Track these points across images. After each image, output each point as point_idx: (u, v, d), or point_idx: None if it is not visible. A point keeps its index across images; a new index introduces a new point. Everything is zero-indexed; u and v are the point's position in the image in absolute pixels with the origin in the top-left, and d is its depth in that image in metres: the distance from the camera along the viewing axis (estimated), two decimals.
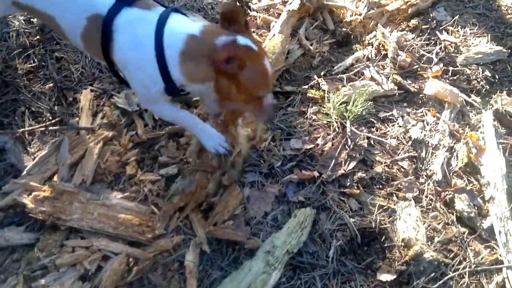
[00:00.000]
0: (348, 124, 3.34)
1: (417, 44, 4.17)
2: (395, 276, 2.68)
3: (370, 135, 3.36)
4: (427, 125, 3.55)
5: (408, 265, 2.70)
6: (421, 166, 3.29)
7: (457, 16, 4.49)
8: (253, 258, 2.61)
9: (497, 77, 4.03)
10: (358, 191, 3.03)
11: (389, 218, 2.95)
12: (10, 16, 3.55)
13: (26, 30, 3.51)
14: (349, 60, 3.95)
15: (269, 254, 2.61)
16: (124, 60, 2.50)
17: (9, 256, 2.52)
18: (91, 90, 3.28)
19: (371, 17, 4.38)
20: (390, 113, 3.59)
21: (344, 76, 3.79)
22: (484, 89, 3.91)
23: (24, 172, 2.82)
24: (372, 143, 3.34)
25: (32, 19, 3.56)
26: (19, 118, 3.09)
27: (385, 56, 4.02)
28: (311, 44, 4.05)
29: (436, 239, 2.90)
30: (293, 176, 3.03)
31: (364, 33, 4.27)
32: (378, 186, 3.11)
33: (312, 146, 3.21)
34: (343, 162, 3.16)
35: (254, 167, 3.06)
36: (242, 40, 2.33)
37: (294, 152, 3.17)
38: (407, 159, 3.29)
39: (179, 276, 2.55)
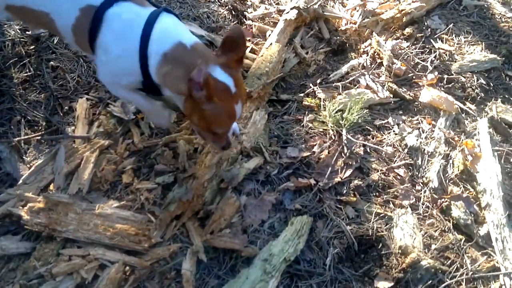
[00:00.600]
0: (344, 132, 3.35)
1: (412, 52, 4.19)
2: (392, 284, 2.67)
3: (366, 142, 3.37)
4: (423, 132, 3.56)
5: (405, 272, 2.70)
6: (417, 173, 3.29)
7: (451, 25, 4.53)
8: (250, 266, 2.60)
9: (491, 84, 4.06)
10: (354, 199, 3.03)
11: (386, 225, 2.95)
12: (5, 26, 3.55)
13: (22, 39, 3.50)
14: (344, 68, 3.97)
15: (266, 262, 2.60)
16: (107, 47, 2.53)
17: (5, 265, 2.49)
18: (87, 99, 3.27)
19: (366, 26, 4.41)
20: (386, 120, 3.60)
21: (339, 84, 3.80)
22: (479, 97, 3.93)
23: (20, 181, 2.80)
24: (368, 150, 3.34)
25: (27, 29, 3.55)
26: (15, 127, 3.07)
27: (380, 64, 4.04)
28: (307, 53, 4.06)
29: (433, 247, 2.90)
30: (289, 184, 3.02)
31: (359, 42, 4.30)
32: (374, 194, 3.12)
33: (308, 154, 3.21)
34: (339, 170, 3.16)
35: (251, 175, 3.05)
36: (222, 76, 2.36)
37: (290, 160, 3.17)
38: (403, 167, 3.30)
39: (176, 284, 2.54)
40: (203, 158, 3.00)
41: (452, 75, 4.06)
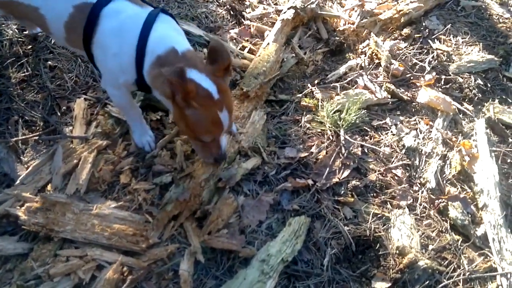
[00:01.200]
0: (342, 132, 3.35)
1: (410, 53, 4.20)
2: (389, 284, 2.67)
3: (363, 143, 3.37)
4: (421, 133, 3.56)
5: (402, 273, 2.70)
6: (414, 174, 3.30)
7: (449, 25, 4.54)
8: (248, 267, 2.60)
9: (489, 85, 4.06)
10: (352, 199, 3.03)
11: (383, 226, 2.95)
12: (3, 25, 3.54)
13: (20, 39, 3.49)
14: (342, 69, 3.97)
15: (264, 262, 2.60)
16: (104, 45, 2.55)
17: (3, 266, 2.49)
18: (85, 99, 3.27)
19: (364, 26, 4.41)
20: (384, 121, 3.61)
21: (337, 84, 3.81)
22: (476, 97, 3.94)
23: (18, 182, 2.80)
24: (366, 151, 3.35)
25: (24, 29, 3.54)
26: (13, 127, 3.07)
27: (378, 64, 4.05)
28: (305, 53, 4.07)
29: (430, 247, 2.90)
30: (287, 185, 3.03)
31: (357, 42, 4.30)
32: (372, 194, 3.12)
33: (306, 154, 3.22)
34: (337, 170, 3.17)
35: (248, 175, 3.06)
36: (205, 83, 2.39)
37: (288, 160, 3.18)
38: (400, 167, 3.30)
39: (173, 285, 2.54)
40: None
41: (450, 75, 4.07)
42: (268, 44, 3.86)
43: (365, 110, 3.61)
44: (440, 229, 3.02)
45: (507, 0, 5.09)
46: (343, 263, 2.78)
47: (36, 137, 3.05)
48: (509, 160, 3.49)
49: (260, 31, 4.17)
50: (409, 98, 3.81)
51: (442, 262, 2.86)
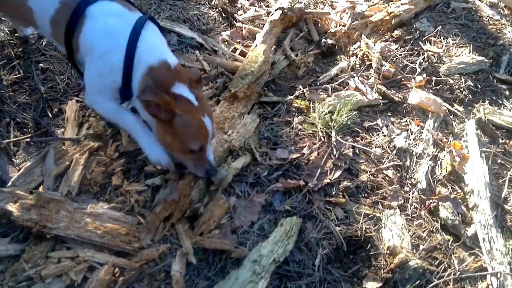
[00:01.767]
0: (333, 133, 3.36)
1: (401, 55, 4.23)
2: (381, 284, 2.69)
3: (355, 144, 3.39)
4: (411, 134, 3.59)
5: (393, 272, 2.72)
6: (405, 174, 3.32)
7: (439, 27, 4.57)
8: (239, 268, 2.61)
9: (479, 86, 4.10)
10: (343, 200, 3.04)
11: (374, 226, 2.97)
12: None
13: (11, 41, 3.49)
14: (333, 71, 4.00)
15: (255, 263, 2.60)
16: (91, 45, 2.56)
17: None
18: (77, 101, 3.26)
19: (355, 28, 4.44)
20: (375, 122, 3.63)
21: (329, 86, 3.83)
22: (467, 99, 3.97)
23: (9, 183, 2.79)
24: (357, 152, 3.36)
25: (16, 31, 3.54)
26: (4, 129, 3.07)
27: (369, 66, 4.07)
28: (296, 55, 4.09)
29: (421, 247, 2.92)
30: (279, 185, 3.03)
31: (349, 44, 4.33)
32: (363, 195, 3.13)
33: (298, 155, 3.23)
34: (328, 171, 3.18)
35: (240, 176, 3.06)
36: (186, 93, 2.55)
37: (280, 161, 3.19)
38: (391, 168, 3.32)
39: (165, 285, 2.53)
40: None
41: (441, 77, 4.10)
42: (256, 45, 3.88)
43: (356, 112, 3.62)
44: (431, 229, 3.04)
45: (497, 2, 5.13)
46: (335, 263, 2.79)
47: (28, 139, 3.04)
48: (499, 161, 3.52)
49: (252, 33, 4.18)
50: (400, 100, 3.84)
51: (433, 262, 2.87)
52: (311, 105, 3.60)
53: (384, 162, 3.36)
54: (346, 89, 3.84)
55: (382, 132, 3.57)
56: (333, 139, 3.34)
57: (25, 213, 2.58)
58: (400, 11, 4.56)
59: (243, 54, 3.96)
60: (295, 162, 3.20)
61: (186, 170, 2.86)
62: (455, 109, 3.87)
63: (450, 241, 3.00)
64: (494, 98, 4.07)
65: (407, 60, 4.20)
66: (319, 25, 4.46)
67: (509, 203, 3.27)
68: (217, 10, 4.35)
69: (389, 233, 2.93)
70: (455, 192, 3.28)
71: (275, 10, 4.23)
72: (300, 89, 3.76)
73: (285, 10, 4.19)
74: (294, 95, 3.71)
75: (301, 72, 3.98)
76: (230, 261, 2.67)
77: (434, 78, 4.08)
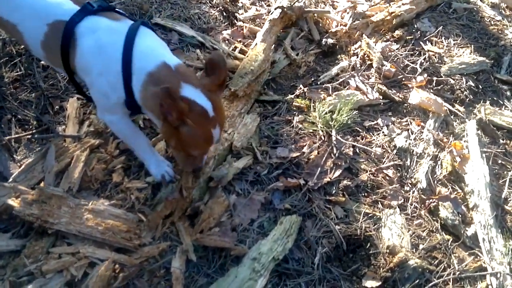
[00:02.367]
0: (333, 132, 3.37)
1: (402, 55, 4.23)
2: (380, 283, 2.69)
3: (355, 143, 3.39)
4: (412, 134, 3.59)
5: (393, 272, 2.72)
6: (405, 174, 3.32)
7: (441, 27, 4.57)
8: (239, 265, 2.61)
9: (480, 87, 4.10)
10: (343, 199, 3.05)
11: (374, 225, 2.97)
12: None
13: (13, 39, 3.50)
14: (334, 70, 4.00)
15: (255, 261, 2.61)
16: (87, 65, 2.48)
17: None
18: (78, 99, 3.27)
19: (356, 28, 4.44)
20: (375, 122, 3.63)
21: (329, 85, 3.83)
22: (467, 99, 3.97)
23: (10, 179, 2.80)
24: (358, 151, 3.37)
25: None
26: (5, 125, 3.07)
27: (370, 66, 4.07)
28: (297, 54, 4.09)
29: (421, 246, 2.92)
30: (279, 184, 3.04)
31: (349, 44, 4.33)
32: (363, 194, 3.14)
33: (298, 154, 3.23)
34: (328, 170, 3.18)
35: (240, 175, 3.07)
36: (200, 100, 2.33)
37: (280, 160, 3.19)
38: (392, 168, 3.32)
39: (165, 282, 2.54)
40: None
41: (441, 77, 4.10)
42: (256, 44, 3.89)
43: (357, 111, 3.63)
44: (431, 229, 3.04)
45: (499, 2, 5.13)
46: (334, 261, 2.79)
47: (29, 136, 3.05)
48: (499, 161, 3.52)
49: (253, 32, 4.19)
50: (400, 99, 3.84)
51: (432, 262, 2.87)
52: (312, 104, 3.60)
53: (384, 161, 3.36)
54: (347, 89, 3.84)
55: (383, 132, 3.57)
56: (334, 138, 3.34)
57: (27, 208, 2.59)
58: (401, 11, 4.56)
59: (243, 53, 3.96)
60: (295, 161, 3.20)
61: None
62: (455, 109, 3.88)
63: (450, 241, 3.00)
64: (495, 98, 4.07)
65: (408, 60, 4.20)
66: (320, 25, 4.46)
67: (509, 203, 3.27)
68: (218, 9, 4.35)
69: (388, 232, 2.93)
70: (455, 192, 3.28)
71: (275, 9, 4.23)
72: (301, 88, 3.76)
73: (285, 9, 4.19)
74: (295, 94, 3.71)
75: (302, 71, 3.99)
76: (229, 258, 2.68)
77: (435, 78, 4.07)
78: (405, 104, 3.83)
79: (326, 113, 3.45)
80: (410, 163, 3.39)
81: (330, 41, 4.20)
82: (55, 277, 2.46)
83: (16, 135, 3.03)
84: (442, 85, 4.04)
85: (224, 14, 4.31)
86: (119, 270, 2.52)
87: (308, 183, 3.08)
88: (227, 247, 2.68)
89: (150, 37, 2.53)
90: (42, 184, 2.82)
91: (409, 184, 3.26)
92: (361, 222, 2.96)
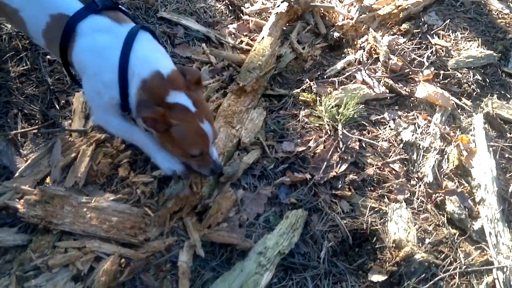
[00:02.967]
0: (340, 127, 3.36)
1: (409, 48, 4.21)
2: (386, 277, 2.69)
3: (361, 137, 3.38)
4: (419, 128, 3.57)
5: (399, 266, 2.72)
6: (412, 168, 3.31)
7: (448, 21, 4.54)
8: (245, 259, 2.62)
9: (487, 80, 4.07)
10: (349, 193, 3.04)
11: (380, 219, 2.96)
12: (2, 20, 3.55)
13: (19, 34, 3.50)
14: (341, 64, 3.99)
15: (261, 255, 2.61)
16: (83, 63, 2.52)
17: (2, 257, 2.50)
18: (83, 93, 3.27)
19: (363, 21, 4.42)
20: (382, 116, 3.62)
21: (336, 79, 3.82)
22: (475, 93, 3.95)
23: (17, 174, 2.81)
24: (364, 145, 3.35)
25: None
26: (12, 120, 3.08)
27: (377, 59, 4.06)
28: (303, 48, 4.08)
29: (427, 241, 2.92)
30: (285, 179, 3.04)
31: (356, 37, 4.31)
32: (369, 188, 3.13)
33: (304, 148, 3.23)
34: (334, 165, 3.18)
35: (247, 169, 3.07)
36: (182, 99, 2.45)
37: (286, 154, 3.19)
38: (398, 162, 3.31)
39: (171, 276, 2.55)
40: None
41: (448, 71, 4.08)
42: (263, 38, 3.87)
43: (363, 105, 3.62)
44: (437, 223, 3.03)
45: None
46: (340, 256, 2.79)
47: (35, 130, 3.06)
48: (506, 155, 3.50)
49: (259, 26, 4.17)
50: (407, 93, 3.82)
51: (439, 256, 2.87)
52: (318, 98, 3.59)
53: (391, 155, 3.35)
54: (353, 83, 3.83)
55: (389, 126, 3.56)
56: (340, 132, 3.34)
57: (30, 209, 2.61)
58: (408, 4, 4.54)
59: (250, 47, 3.94)
60: (301, 155, 3.20)
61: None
62: (462, 103, 3.86)
63: (456, 235, 2.99)
64: (502, 92, 4.04)
65: (414, 54, 4.18)
66: (327, 18, 4.44)
67: None
68: (224, 2, 4.35)
69: (395, 227, 2.93)
70: (462, 186, 3.26)
71: (281, 2, 4.21)
72: (307, 82, 3.75)
73: (291, 3, 4.18)
74: (301, 88, 3.70)
75: (308, 65, 3.98)
76: (235, 252, 2.68)
77: (442, 72, 4.05)
78: (412, 98, 3.81)
79: (332, 107, 3.44)
80: (417, 157, 3.38)
81: (336, 34, 4.19)
82: (61, 272, 2.48)
83: (22, 130, 3.04)
84: (449, 79, 4.02)
85: (230, 8, 4.31)
86: (125, 264, 2.53)
87: (314, 177, 3.07)
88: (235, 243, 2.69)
89: (147, 42, 2.57)
90: (48, 179, 2.83)
91: (415, 178, 3.25)
92: (367, 216, 2.95)
